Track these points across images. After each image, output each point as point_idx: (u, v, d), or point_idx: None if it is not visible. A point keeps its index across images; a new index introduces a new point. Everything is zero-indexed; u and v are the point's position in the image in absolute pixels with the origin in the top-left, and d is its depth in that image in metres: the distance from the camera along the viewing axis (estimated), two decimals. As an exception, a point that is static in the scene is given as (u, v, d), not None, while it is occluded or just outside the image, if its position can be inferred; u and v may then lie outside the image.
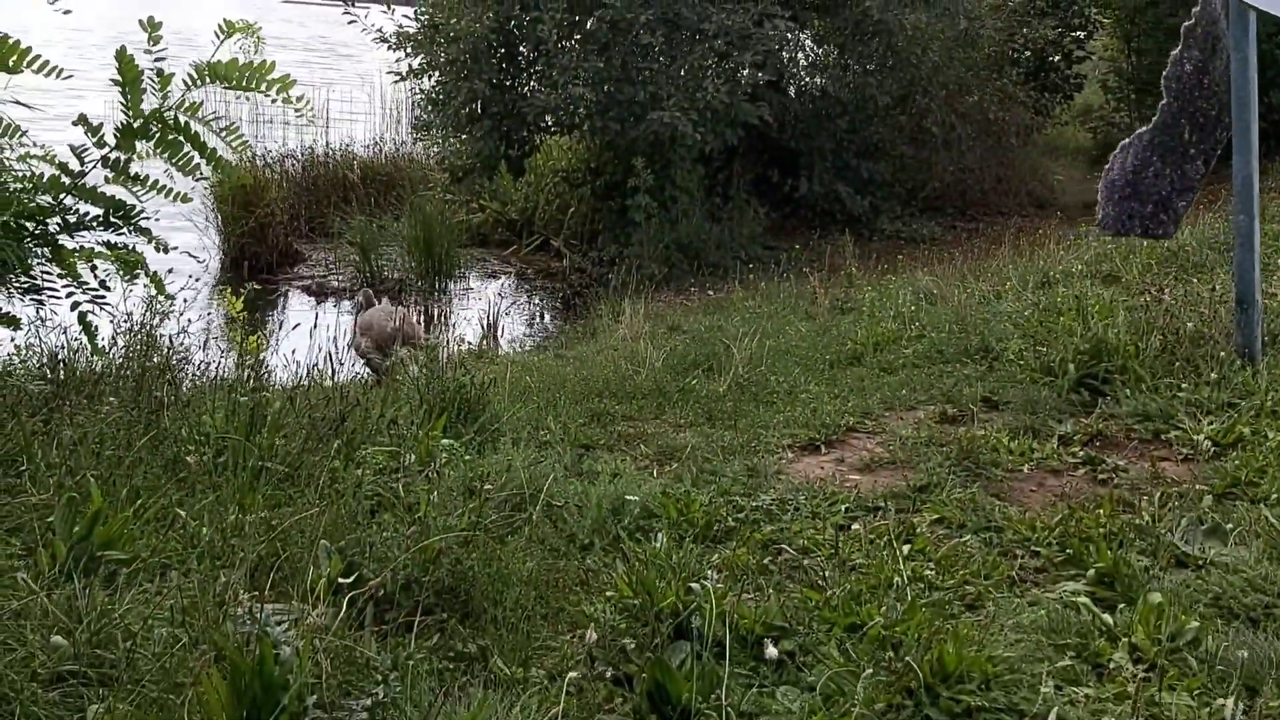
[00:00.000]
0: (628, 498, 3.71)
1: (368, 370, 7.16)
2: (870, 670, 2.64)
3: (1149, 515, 3.68)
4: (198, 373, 5.44)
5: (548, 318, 10.38)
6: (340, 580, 2.91)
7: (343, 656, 2.57)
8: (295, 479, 3.87)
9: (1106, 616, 3.01)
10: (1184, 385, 4.90)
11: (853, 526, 3.73)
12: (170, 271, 5.42)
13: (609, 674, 2.71)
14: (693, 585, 2.92)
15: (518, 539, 3.42)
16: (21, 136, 4.76)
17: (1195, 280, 6.81)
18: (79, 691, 2.61)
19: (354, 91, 16.17)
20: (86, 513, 3.19)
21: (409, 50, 11.79)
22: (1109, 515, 3.68)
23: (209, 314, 7.45)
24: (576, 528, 3.61)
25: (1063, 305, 6.10)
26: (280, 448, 4.04)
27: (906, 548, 3.47)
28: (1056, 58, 15.67)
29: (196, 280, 6.75)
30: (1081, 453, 4.44)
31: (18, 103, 5.94)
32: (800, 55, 13.35)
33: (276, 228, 11.07)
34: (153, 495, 3.59)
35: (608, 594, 3.01)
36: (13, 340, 5.25)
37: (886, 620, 2.88)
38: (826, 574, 3.28)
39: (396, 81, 12.38)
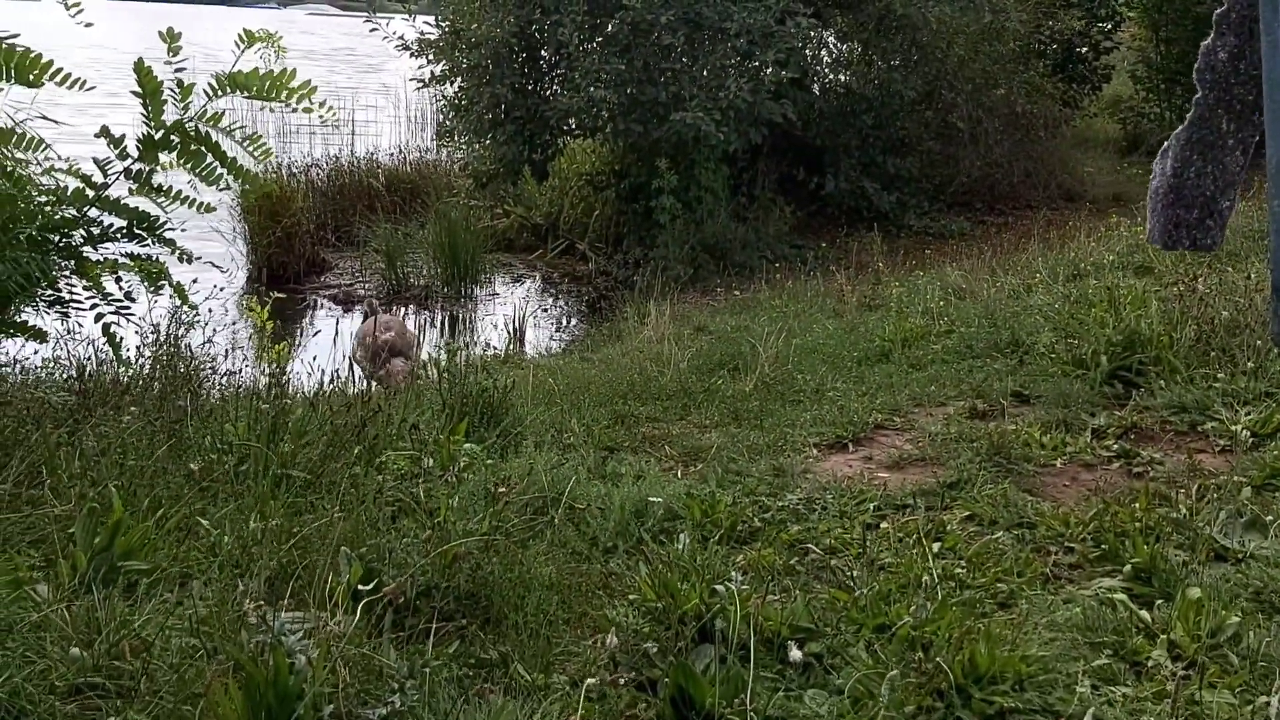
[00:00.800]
0: (651, 499, 3.66)
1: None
2: (899, 672, 2.57)
3: (1186, 508, 3.57)
4: (223, 382, 5.45)
5: (573, 321, 10.34)
6: (360, 587, 2.88)
7: (360, 665, 2.53)
8: (317, 486, 3.85)
9: (1144, 613, 2.93)
10: (1220, 375, 4.79)
11: (881, 525, 3.65)
12: (195, 282, 5.44)
13: (632, 679, 2.65)
14: (717, 587, 2.85)
15: (539, 543, 3.37)
16: (45, 150, 4.78)
17: (1230, 269, 6.67)
18: (97, 704, 2.59)
19: (378, 101, 16.24)
20: (108, 523, 3.18)
21: (431, 57, 11.79)
22: (1145, 509, 3.58)
23: (234, 324, 7.47)
24: (599, 530, 3.56)
25: (1094, 297, 5.99)
26: (302, 455, 4.03)
27: (936, 546, 3.39)
28: (1084, 49, 15.49)
29: (221, 290, 6.75)
30: (1116, 446, 4.34)
31: (43, 117, 5.98)
32: (824, 52, 13.27)
33: (303, 237, 11.12)
34: (175, 505, 3.58)
35: (630, 597, 2.95)
36: (36, 352, 5.27)
37: (916, 620, 2.80)
38: (854, 574, 3.21)
39: (419, 88, 12.38)
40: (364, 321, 7.61)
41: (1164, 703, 2.54)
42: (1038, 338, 5.62)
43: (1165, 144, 5.29)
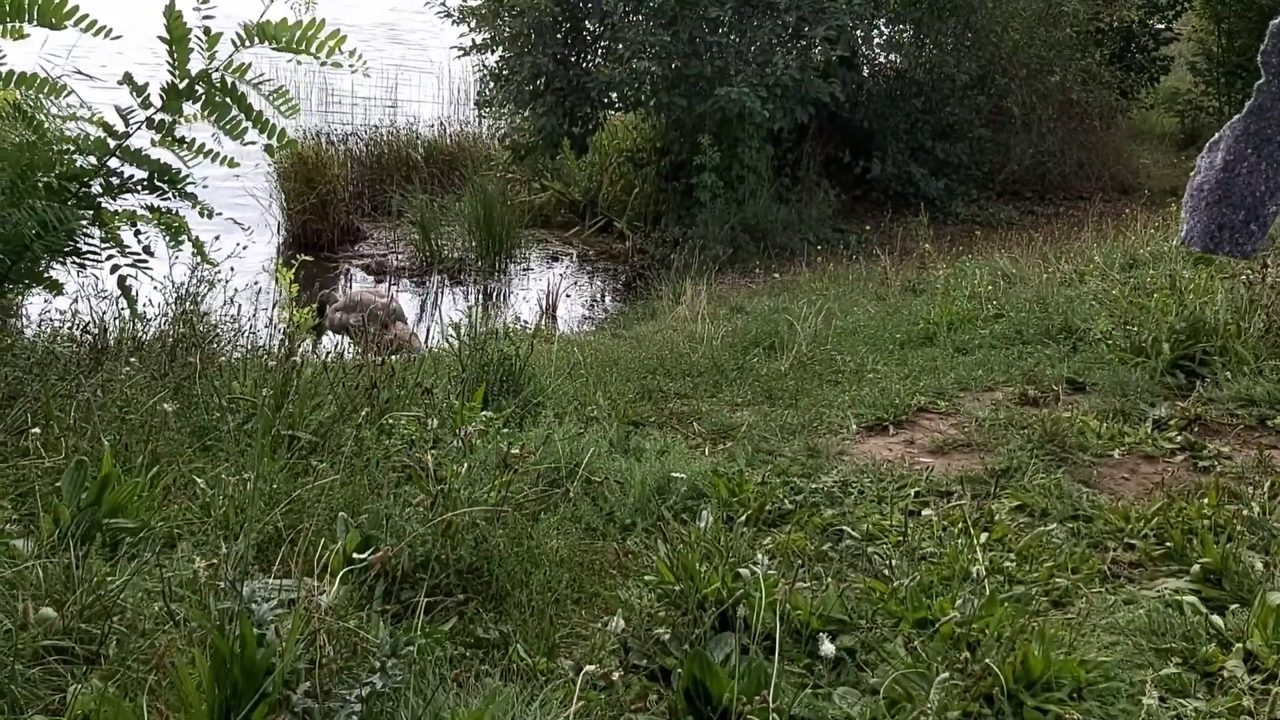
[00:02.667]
0: (674, 475, 3.40)
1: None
2: (943, 673, 2.29)
3: (1259, 506, 3.28)
4: (242, 343, 5.28)
5: (607, 300, 10.09)
6: (356, 555, 2.65)
7: (345, 640, 2.30)
8: (323, 449, 3.64)
9: (1216, 618, 2.64)
10: (1292, 368, 4.47)
11: (923, 512, 3.37)
12: (217, 239, 5.26)
13: (643, 667, 2.40)
14: (741, 570, 2.60)
15: (552, 516, 3.13)
16: (67, 95, 4.61)
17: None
18: (63, 669, 2.38)
19: (420, 75, 16.05)
20: (97, 478, 2.98)
21: (473, 24, 11.55)
22: (1214, 506, 3.28)
23: (256, 283, 7.30)
24: (617, 506, 3.31)
25: (1153, 284, 5.66)
26: (312, 417, 3.82)
27: (984, 536, 3.11)
28: (1144, 37, 15.01)
29: (245, 249, 6.57)
30: (1179, 438, 4.03)
31: (79, 72, 5.80)
32: (874, 33, 12.90)
33: (338, 205, 10.96)
34: (171, 463, 3.39)
35: (646, 578, 2.70)
36: (47, 303, 5.12)
37: (962, 616, 2.53)
38: (893, 563, 2.94)
39: (460, 56, 12.14)
40: (326, 311, 7.73)
41: (1240, 719, 2.26)
42: (1093, 324, 5.30)
43: (1216, 136, 4.82)
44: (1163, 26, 15.23)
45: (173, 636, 2.31)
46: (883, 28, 12.94)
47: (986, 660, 2.28)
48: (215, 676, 2.02)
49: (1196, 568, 2.91)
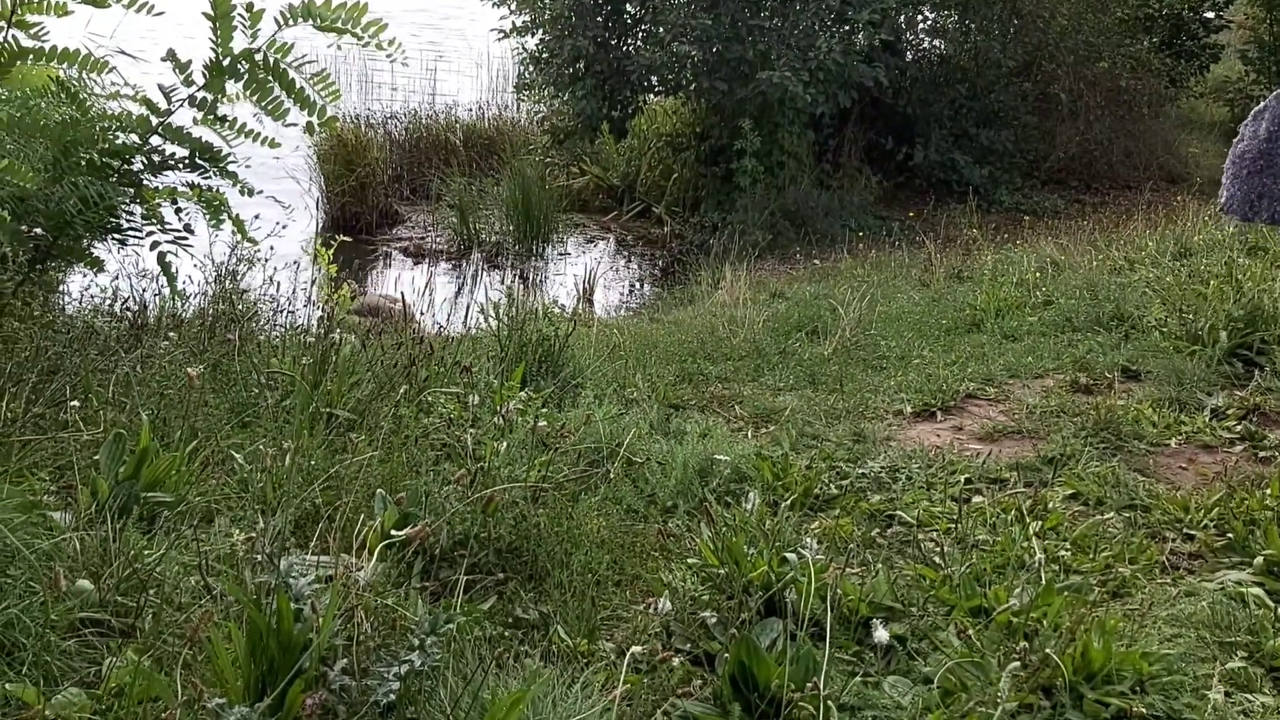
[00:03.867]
0: (717, 457, 3.32)
1: None
2: (999, 662, 2.21)
3: (1325, 498, 3.16)
4: (281, 321, 5.27)
5: (645, 285, 10.01)
6: (394, 533, 2.60)
7: (384, 617, 2.25)
8: (361, 426, 3.59)
9: (1284, 612, 2.54)
10: (1355, 359, 4.32)
11: (974, 499, 3.28)
12: (257, 218, 5.24)
13: (687, 652, 2.33)
14: (788, 555, 2.52)
15: (592, 496, 3.06)
16: (109, 72, 4.60)
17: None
18: (99, 642, 2.35)
19: (460, 60, 16.03)
20: (135, 451, 2.95)
21: (513, 7, 11.49)
22: (1276, 497, 3.17)
23: (296, 263, 7.29)
24: (659, 488, 3.23)
25: (1208, 272, 5.51)
26: (349, 395, 3.78)
27: (1037, 525, 3.01)
28: (1193, 24, 14.70)
29: (284, 228, 6.56)
30: (1238, 427, 3.91)
31: (121, 52, 5.79)
32: (919, 18, 12.70)
33: (376, 188, 10.95)
34: (211, 437, 3.35)
35: (689, 561, 2.63)
36: (91, 281, 5.12)
37: (1018, 605, 2.44)
38: (944, 550, 2.85)
39: (500, 39, 12.08)
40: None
41: (1312, 717, 2.16)
42: (1146, 311, 5.17)
43: (1261, 105, 4.63)
44: (1213, 15, 14.92)
45: (207, 610, 2.27)
46: (927, 12, 12.74)
47: (1046, 650, 2.19)
48: (251, 651, 1.98)
49: (1260, 559, 2.81)
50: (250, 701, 1.95)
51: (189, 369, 3.39)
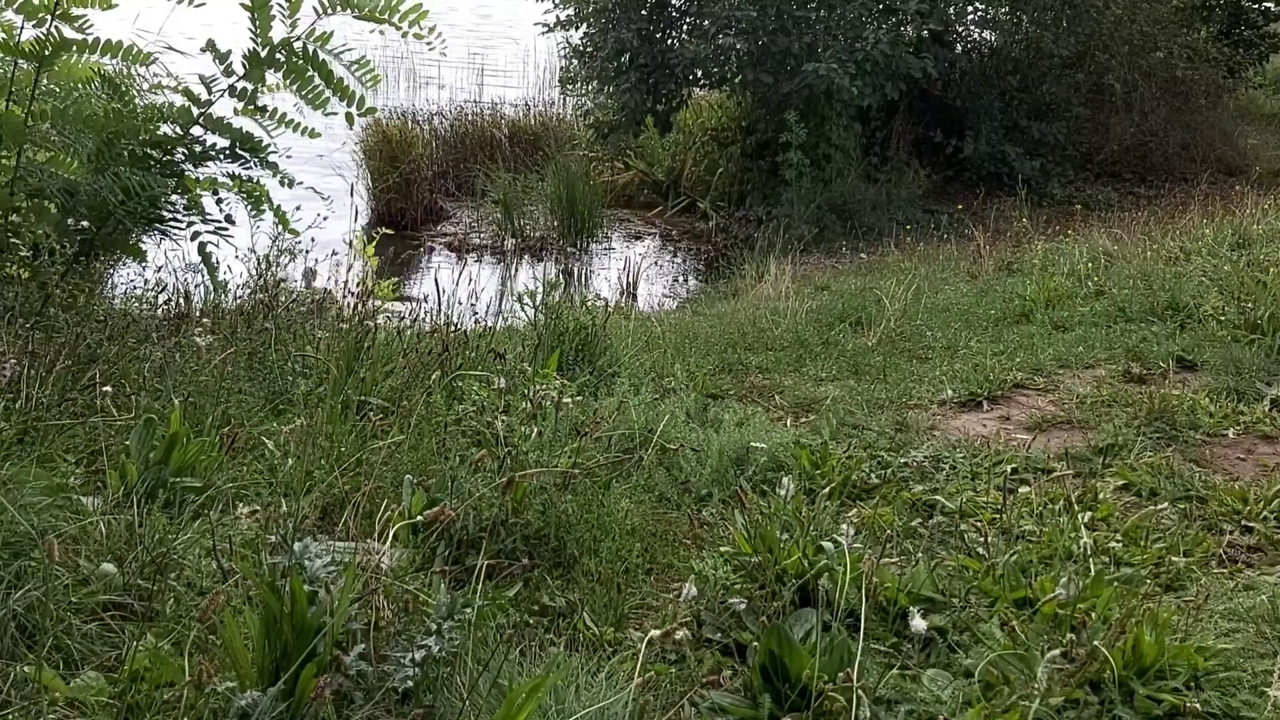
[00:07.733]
0: (754, 445, 3.23)
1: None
2: (1044, 655, 2.10)
3: (1392, 491, 3.01)
4: (324, 311, 5.26)
5: (689, 280, 9.93)
6: (420, 518, 2.54)
7: (404, 603, 2.20)
8: (395, 413, 3.55)
9: (1349, 608, 2.40)
10: None
11: (1020, 489, 3.16)
12: (298, 208, 5.24)
13: (716, 641, 2.25)
14: (824, 543, 2.43)
15: (624, 484, 2.98)
16: (151, 63, 4.62)
17: None
18: (119, 624, 2.31)
19: (505, 56, 16.05)
20: (165, 437, 2.93)
21: (557, 1, 11.46)
22: (1340, 489, 3.02)
23: (336, 254, 7.31)
24: (693, 476, 3.15)
25: (1268, 261, 5.32)
26: (382, 383, 3.75)
27: (1087, 515, 2.89)
28: (1252, 13, 14.32)
29: (325, 219, 6.56)
30: (1300, 418, 3.76)
31: (168, 47, 5.82)
32: (969, 9, 12.49)
33: (421, 184, 10.97)
34: (243, 424, 3.33)
35: (722, 549, 2.55)
36: (135, 273, 5.15)
37: (1065, 597, 2.33)
38: (988, 540, 2.74)
39: (544, 33, 12.06)
40: None
41: (1379, 717, 2.03)
42: (1203, 300, 5.00)
43: None
44: (1273, 3, 14.53)
45: (220, 590, 2.23)
46: (977, 3, 12.52)
47: (1094, 643, 2.08)
48: (265, 634, 1.93)
49: (1323, 554, 2.67)
50: (264, 685, 1.90)
51: (197, 338, 3.36)
